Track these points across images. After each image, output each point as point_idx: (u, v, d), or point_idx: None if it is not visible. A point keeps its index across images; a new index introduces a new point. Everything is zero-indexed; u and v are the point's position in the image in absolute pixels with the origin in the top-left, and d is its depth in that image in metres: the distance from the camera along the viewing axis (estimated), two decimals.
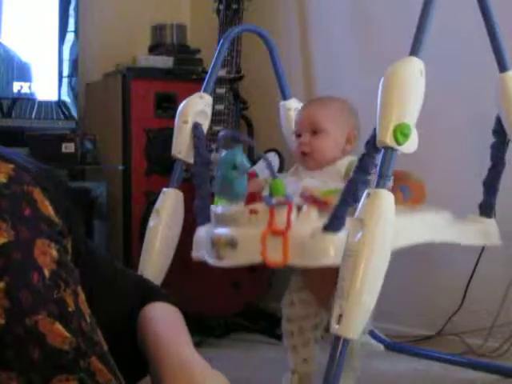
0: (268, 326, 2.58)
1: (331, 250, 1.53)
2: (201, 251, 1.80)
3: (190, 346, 1.25)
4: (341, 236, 1.52)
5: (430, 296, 2.41)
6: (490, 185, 1.92)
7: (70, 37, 2.95)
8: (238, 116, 2.79)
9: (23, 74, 2.87)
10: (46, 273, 1.02)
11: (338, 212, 1.55)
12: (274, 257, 1.57)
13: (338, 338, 1.44)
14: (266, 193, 1.71)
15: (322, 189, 1.66)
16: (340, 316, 1.42)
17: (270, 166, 1.64)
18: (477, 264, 2.19)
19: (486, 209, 1.93)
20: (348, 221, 1.55)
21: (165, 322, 1.31)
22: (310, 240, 1.56)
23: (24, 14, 2.85)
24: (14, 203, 1.03)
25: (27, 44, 2.87)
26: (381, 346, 2.30)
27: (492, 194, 1.93)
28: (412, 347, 2.33)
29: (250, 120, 2.89)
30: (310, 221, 1.60)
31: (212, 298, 2.52)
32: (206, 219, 1.84)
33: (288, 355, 1.82)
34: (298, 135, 1.86)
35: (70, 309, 1.03)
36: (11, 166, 1.06)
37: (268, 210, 1.59)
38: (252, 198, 1.66)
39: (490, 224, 1.92)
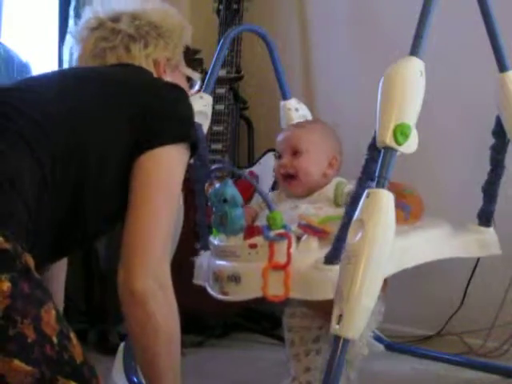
0: (268, 326, 2.58)
1: (334, 282, 1.50)
2: (201, 279, 1.82)
3: None
4: None
5: (430, 296, 2.41)
6: (489, 190, 1.91)
7: (70, 37, 2.95)
8: (238, 116, 2.79)
9: (23, 74, 2.87)
10: None
11: (340, 238, 1.53)
12: (276, 291, 1.57)
13: (337, 337, 1.44)
14: (261, 219, 1.71)
15: (318, 216, 1.66)
16: (340, 316, 1.42)
17: (264, 195, 1.65)
18: (477, 264, 2.19)
19: (485, 218, 1.92)
20: None
21: None
22: (311, 273, 1.55)
23: (24, 14, 2.85)
24: None
25: (27, 44, 2.87)
26: (381, 346, 2.30)
27: (491, 201, 1.92)
28: (412, 347, 2.33)
29: (249, 120, 2.89)
30: (311, 252, 1.60)
31: (212, 297, 2.52)
32: (206, 245, 1.85)
33: (290, 363, 1.82)
34: (279, 156, 1.86)
35: (29, 340, 1.01)
36: None
37: (267, 243, 1.59)
38: (250, 230, 1.66)
39: (489, 234, 1.92)
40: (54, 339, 1.05)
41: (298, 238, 1.62)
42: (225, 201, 1.62)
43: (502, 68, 1.87)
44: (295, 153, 1.82)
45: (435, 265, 2.24)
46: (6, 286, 1.01)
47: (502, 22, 1.85)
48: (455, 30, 2.29)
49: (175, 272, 2.00)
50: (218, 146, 2.63)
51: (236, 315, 2.61)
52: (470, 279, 2.24)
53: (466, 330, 2.28)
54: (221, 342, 2.51)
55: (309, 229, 1.60)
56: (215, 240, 1.73)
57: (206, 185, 1.81)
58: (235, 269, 1.64)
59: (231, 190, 1.63)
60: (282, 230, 1.59)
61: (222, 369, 2.21)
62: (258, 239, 1.61)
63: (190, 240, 1.92)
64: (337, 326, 1.43)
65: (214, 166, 1.85)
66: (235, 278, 1.63)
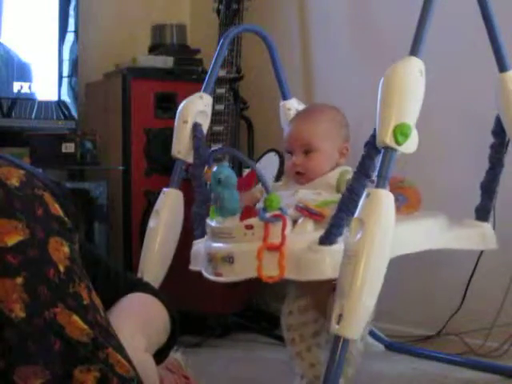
0: (268, 325, 2.58)
1: (328, 263, 1.53)
2: (198, 264, 1.81)
3: (127, 327, 1.27)
4: (337, 248, 1.51)
5: (430, 296, 2.41)
6: (488, 187, 1.92)
7: (69, 37, 2.95)
8: (238, 116, 2.79)
9: (23, 73, 2.87)
10: (61, 268, 1.06)
11: (335, 224, 1.54)
12: (271, 272, 1.57)
13: (337, 337, 1.44)
14: (261, 205, 1.71)
15: (316, 200, 1.66)
16: (340, 316, 1.43)
17: (263, 179, 1.65)
18: (477, 264, 2.19)
19: (483, 213, 1.93)
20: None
21: (120, 306, 1.35)
22: (306, 254, 1.56)
23: (24, 13, 2.85)
24: (28, 204, 1.07)
25: (27, 44, 2.87)
26: (381, 346, 2.30)
27: (489, 198, 1.92)
28: (412, 347, 2.33)
29: (250, 120, 2.89)
30: (306, 234, 1.60)
31: (212, 298, 2.52)
32: (204, 233, 1.84)
33: (293, 362, 1.82)
34: (290, 152, 1.83)
35: (85, 302, 1.07)
36: (22, 171, 1.10)
37: (263, 224, 1.59)
38: (247, 211, 1.66)
39: (486, 228, 1.92)
40: (101, 312, 1.11)
41: (295, 222, 1.62)
42: (219, 182, 1.63)
43: (502, 68, 1.87)
44: (307, 151, 1.79)
45: (435, 265, 2.25)
46: (66, 249, 1.08)
47: (502, 22, 1.85)
48: (455, 30, 2.29)
49: (176, 272, 2.02)
50: (218, 146, 2.63)
51: (236, 315, 2.61)
52: (470, 279, 2.24)
53: (466, 330, 2.28)
54: (221, 342, 2.50)
55: (305, 211, 1.61)
56: (212, 222, 1.73)
57: (206, 168, 1.81)
58: (229, 249, 1.64)
59: (225, 171, 1.64)
60: (277, 212, 1.59)
61: (221, 369, 2.21)
62: (253, 220, 1.62)
63: (190, 241, 1.92)
64: (337, 326, 1.43)
65: (212, 149, 1.84)
66: (229, 259, 1.63)
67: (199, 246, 1.84)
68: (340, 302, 1.43)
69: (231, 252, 1.63)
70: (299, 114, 1.98)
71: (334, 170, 1.78)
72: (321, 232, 1.57)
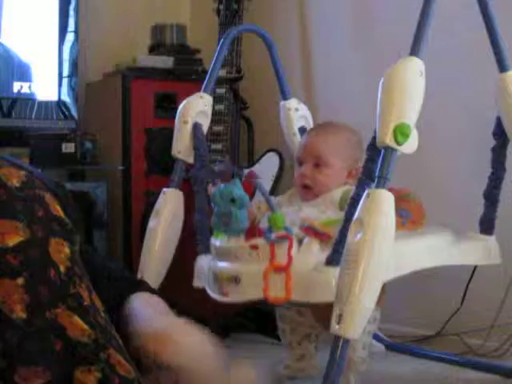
0: (268, 326, 2.58)
1: (335, 284, 1.50)
2: (202, 281, 1.82)
3: (167, 313, 1.30)
4: None
5: (430, 296, 2.41)
6: (491, 194, 1.90)
7: (69, 37, 2.95)
8: (238, 116, 2.79)
9: (23, 74, 2.87)
10: (62, 269, 1.06)
11: (340, 244, 1.52)
12: (277, 293, 1.57)
13: (337, 338, 1.44)
14: (261, 220, 1.71)
15: (320, 219, 1.66)
16: (340, 316, 1.42)
17: (268, 199, 1.64)
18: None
19: (487, 225, 1.91)
20: None
21: (142, 302, 1.34)
22: (312, 275, 1.55)
23: (24, 13, 2.85)
24: (28, 205, 1.07)
25: (27, 44, 2.87)
26: (381, 346, 2.30)
27: (493, 205, 1.90)
28: (412, 347, 2.33)
29: (250, 120, 2.89)
30: (312, 254, 1.59)
31: (212, 298, 2.52)
32: (207, 248, 1.85)
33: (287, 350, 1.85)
34: (300, 162, 1.83)
35: (86, 303, 1.07)
36: (23, 172, 1.11)
37: (268, 244, 1.59)
38: (252, 231, 1.65)
39: (490, 242, 1.91)
40: (102, 313, 1.11)
41: (300, 241, 1.61)
42: (232, 200, 1.62)
43: (502, 68, 1.87)
44: (317, 164, 1.80)
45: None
46: (67, 250, 1.08)
47: (502, 22, 1.85)
48: (455, 30, 2.29)
49: (176, 273, 2.02)
50: (218, 146, 2.63)
51: (236, 315, 2.61)
52: (470, 279, 2.24)
53: (466, 330, 2.28)
54: (221, 342, 2.50)
55: (311, 231, 1.60)
56: (216, 241, 1.73)
57: (210, 186, 1.81)
58: (235, 270, 1.64)
59: (239, 191, 1.63)
60: (283, 232, 1.59)
61: None
62: (259, 241, 1.61)
63: (190, 241, 1.92)
64: (337, 326, 1.43)
65: (217, 170, 1.84)
66: (235, 279, 1.63)
67: (203, 263, 1.85)
68: (340, 302, 1.43)
69: (237, 272, 1.63)
70: (314, 128, 2.00)
71: (339, 188, 1.77)
72: (326, 252, 1.56)
